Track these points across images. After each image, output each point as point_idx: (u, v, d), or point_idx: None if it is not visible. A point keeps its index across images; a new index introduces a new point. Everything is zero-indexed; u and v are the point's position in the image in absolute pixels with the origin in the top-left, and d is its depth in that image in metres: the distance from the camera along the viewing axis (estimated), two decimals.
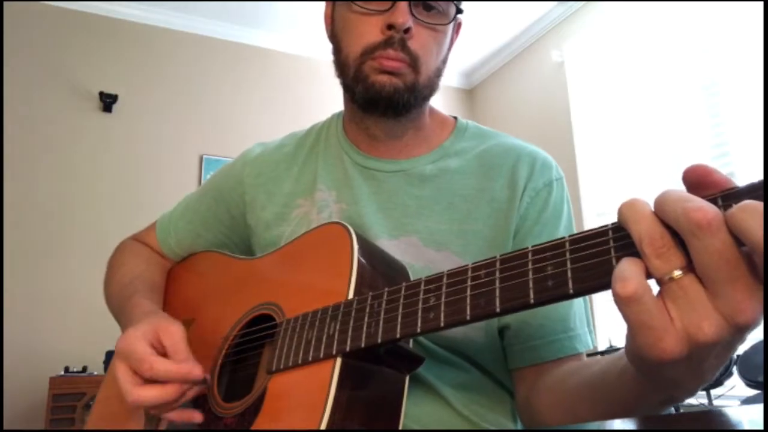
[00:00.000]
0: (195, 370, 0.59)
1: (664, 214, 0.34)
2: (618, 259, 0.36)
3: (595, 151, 3.28)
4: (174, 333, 0.61)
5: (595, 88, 3.29)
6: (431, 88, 0.74)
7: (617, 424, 0.49)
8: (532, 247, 0.42)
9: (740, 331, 0.33)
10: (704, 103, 2.66)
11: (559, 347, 0.67)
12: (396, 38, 0.69)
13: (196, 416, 0.62)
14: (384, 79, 0.70)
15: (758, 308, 0.32)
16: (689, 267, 0.33)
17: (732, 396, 2.25)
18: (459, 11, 0.74)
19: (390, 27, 0.68)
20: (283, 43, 3.75)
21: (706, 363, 0.37)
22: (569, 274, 0.39)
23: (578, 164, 3.33)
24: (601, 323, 3.02)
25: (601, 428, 0.50)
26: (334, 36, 0.77)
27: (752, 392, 2.12)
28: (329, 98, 3.36)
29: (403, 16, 0.68)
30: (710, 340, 0.32)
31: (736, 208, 0.31)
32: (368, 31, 0.70)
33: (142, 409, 0.71)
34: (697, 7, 2.68)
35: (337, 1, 0.76)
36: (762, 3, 2.32)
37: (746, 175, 2.44)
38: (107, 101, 3.18)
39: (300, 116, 3.48)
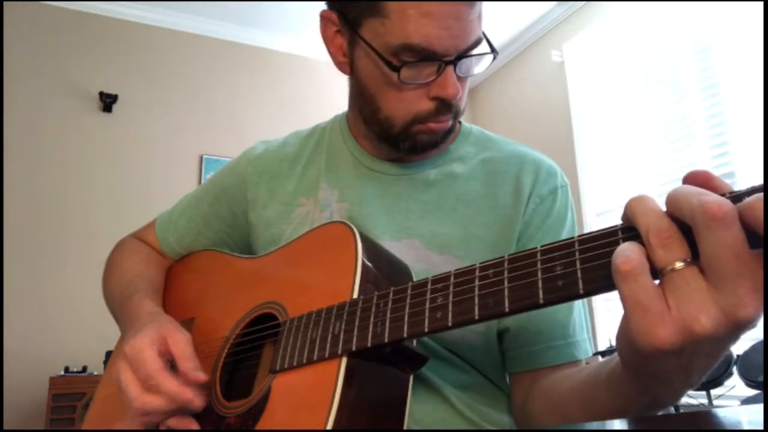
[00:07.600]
0: (196, 400, 0.59)
1: (677, 206, 0.34)
2: None
3: (594, 151, 3.28)
4: (181, 341, 0.61)
5: (594, 88, 3.29)
6: None
7: (617, 424, 0.49)
8: (541, 247, 0.42)
9: (737, 327, 0.33)
10: (704, 103, 2.66)
11: (557, 354, 0.68)
12: (445, 105, 0.69)
13: (194, 425, 0.62)
14: (431, 136, 0.71)
15: (759, 305, 0.32)
16: (692, 260, 0.34)
17: (732, 396, 2.25)
18: (495, 53, 0.71)
19: (439, 97, 0.67)
20: (283, 43, 3.74)
21: (696, 360, 0.37)
22: (579, 274, 0.39)
23: (578, 164, 3.33)
24: (602, 324, 3.03)
25: (602, 428, 0.50)
26: (358, 79, 0.73)
27: (752, 392, 2.12)
28: (329, 98, 3.37)
29: (453, 87, 0.66)
30: (706, 333, 0.33)
31: (752, 199, 0.32)
32: (416, 99, 0.68)
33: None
34: (696, 7, 2.68)
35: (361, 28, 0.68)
36: (762, 3, 2.32)
37: (746, 175, 2.44)
38: (107, 101, 3.17)
39: (300, 116, 3.48)
